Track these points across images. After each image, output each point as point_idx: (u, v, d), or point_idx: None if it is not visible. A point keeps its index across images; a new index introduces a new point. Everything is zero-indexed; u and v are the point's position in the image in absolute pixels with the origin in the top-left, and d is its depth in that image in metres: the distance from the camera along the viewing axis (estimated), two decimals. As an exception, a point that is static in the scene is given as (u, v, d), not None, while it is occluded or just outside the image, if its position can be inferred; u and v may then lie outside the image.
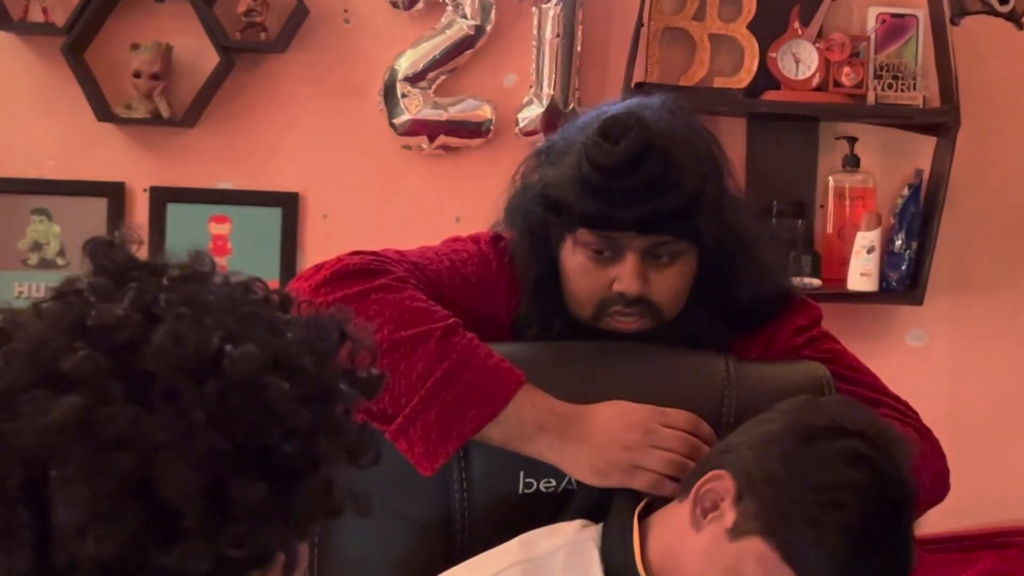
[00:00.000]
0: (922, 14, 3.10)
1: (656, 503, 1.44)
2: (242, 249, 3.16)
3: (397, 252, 1.61)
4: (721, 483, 1.32)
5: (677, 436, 1.46)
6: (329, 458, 0.88)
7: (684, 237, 1.54)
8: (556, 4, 3.06)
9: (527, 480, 1.49)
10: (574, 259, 1.57)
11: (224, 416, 0.82)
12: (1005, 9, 3.01)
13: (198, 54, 3.12)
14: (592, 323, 1.59)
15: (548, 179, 1.57)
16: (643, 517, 1.42)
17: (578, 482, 1.48)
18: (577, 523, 1.44)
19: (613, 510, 1.43)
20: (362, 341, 0.94)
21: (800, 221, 3.08)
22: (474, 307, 1.60)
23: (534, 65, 3.09)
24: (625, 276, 1.54)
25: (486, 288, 1.63)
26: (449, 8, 3.08)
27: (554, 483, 1.50)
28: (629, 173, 1.49)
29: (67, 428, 0.79)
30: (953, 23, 2.98)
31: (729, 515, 1.30)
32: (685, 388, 1.57)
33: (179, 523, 0.80)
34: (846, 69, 3.05)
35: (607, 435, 1.45)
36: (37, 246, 3.17)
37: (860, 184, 3.11)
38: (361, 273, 1.51)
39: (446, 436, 1.44)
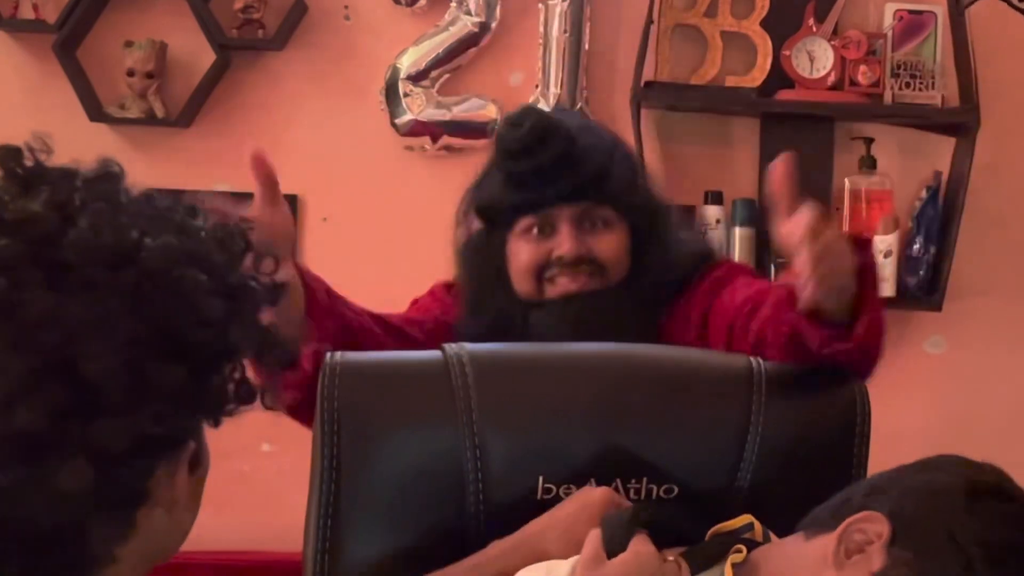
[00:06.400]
0: (940, 11, 3.07)
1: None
2: (239, 253, 3.10)
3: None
4: (873, 525, 1.27)
5: None
6: (240, 348, 0.96)
7: (606, 202, 1.77)
8: (563, 0, 3.00)
9: (546, 486, 1.43)
10: (516, 249, 1.79)
11: (141, 303, 0.89)
12: (1025, 4, 2.95)
13: (194, 52, 3.08)
14: (536, 295, 1.78)
15: (474, 196, 1.83)
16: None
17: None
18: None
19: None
20: (266, 250, 1.00)
21: (815, 224, 3.02)
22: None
23: (541, 63, 3.05)
24: (563, 241, 1.76)
25: (431, 319, 1.85)
26: (453, 4, 3.05)
27: (574, 489, 1.42)
28: (538, 150, 1.73)
29: None
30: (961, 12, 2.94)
31: (877, 559, 1.25)
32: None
33: (101, 400, 0.87)
34: (862, 67, 3.02)
35: None
36: (27, 250, 3.11)
37: (877, 186, 3.07)
38: None
39: None
